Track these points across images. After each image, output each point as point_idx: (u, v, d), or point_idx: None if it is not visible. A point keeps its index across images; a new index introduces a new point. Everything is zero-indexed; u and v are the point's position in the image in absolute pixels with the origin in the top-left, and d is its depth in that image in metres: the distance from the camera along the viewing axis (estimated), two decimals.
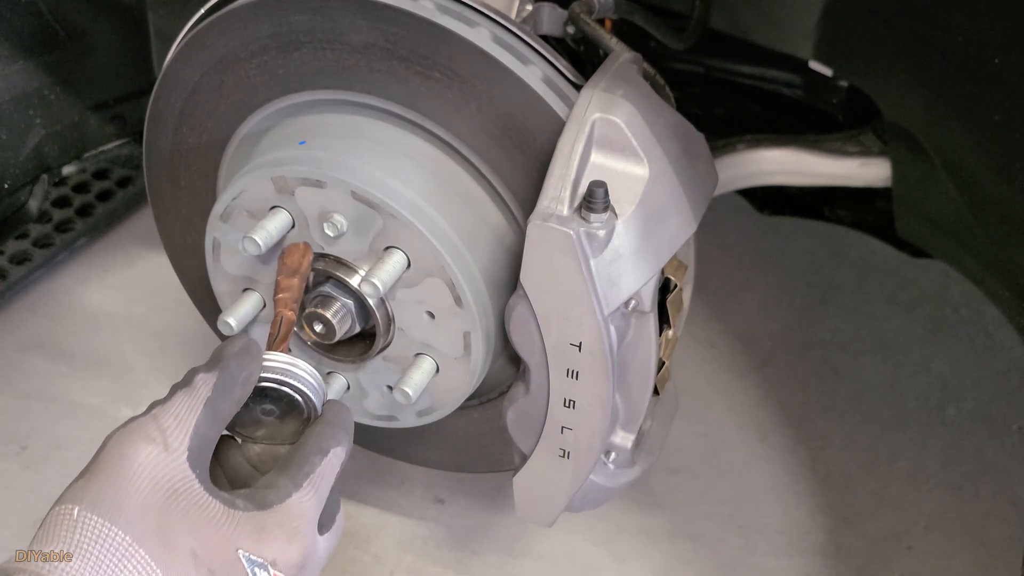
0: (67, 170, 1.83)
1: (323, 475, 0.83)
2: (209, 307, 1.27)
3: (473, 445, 1.29)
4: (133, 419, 0.78)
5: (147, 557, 0.69)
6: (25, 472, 1.51)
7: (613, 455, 1.12)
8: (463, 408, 1.15)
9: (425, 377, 1.08)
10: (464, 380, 1.09)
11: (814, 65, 1.26)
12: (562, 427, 1.05)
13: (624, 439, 1.11)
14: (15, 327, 1.76)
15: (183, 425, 0.76)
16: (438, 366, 1.09)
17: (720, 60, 1.57)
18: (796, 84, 1.53)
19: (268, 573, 0.74)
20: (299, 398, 0.89)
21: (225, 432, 0.86)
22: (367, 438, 1.38)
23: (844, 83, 1.46)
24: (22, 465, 1.52)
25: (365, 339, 1.12)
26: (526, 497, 1.14)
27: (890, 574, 1.42)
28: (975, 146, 1.07)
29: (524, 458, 1.10)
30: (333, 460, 0.84)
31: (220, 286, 1.15)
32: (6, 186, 1.63)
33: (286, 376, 0.89)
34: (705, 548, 1.45)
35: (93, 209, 1.94)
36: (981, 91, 1.02)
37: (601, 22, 1.20)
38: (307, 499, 0.80)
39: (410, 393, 1.06)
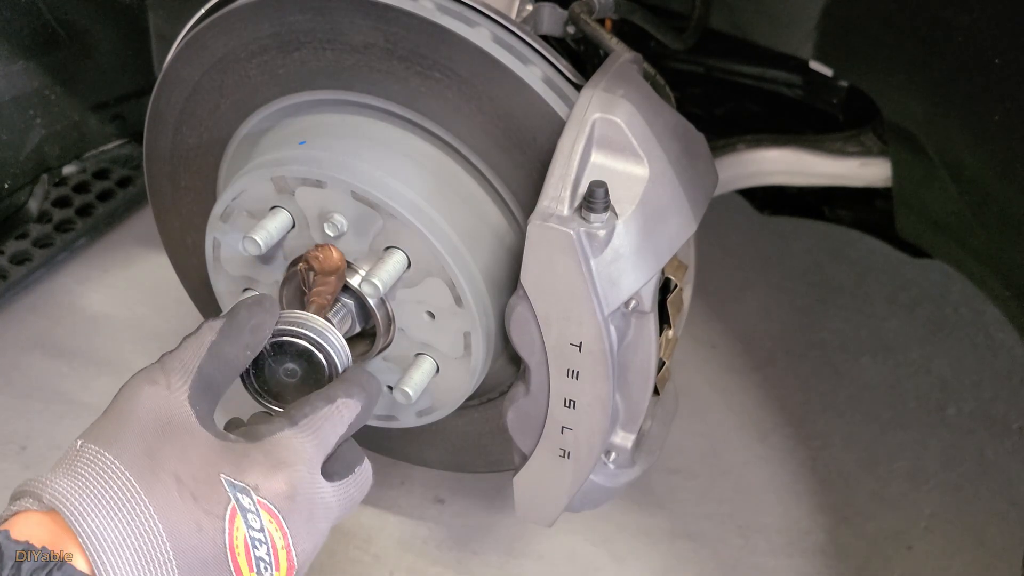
0: (67, 170, 1.82)
1: (326, 419, 0.82)
2: (209, 307, 1.27)
3: (473, 445, 1.29)
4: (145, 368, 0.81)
5: (132, 478, 0.71)
6: (25, 472, 1.51)
7: (613, 455, 1.12)
8: (463, 408, 1.15)
9: (425, 377, 1.08)
10: (464, 380, 1.09)
11: (814, 65, 1.26)
12: (562, 427, 1.05)
13: (624, 439, 1.11)
14: (15, 327, 1.76)
15: (187, 368, 0.79)
16: (438, 366, 1.09)
17: (720, 60, 1.57)
18: (796, 84, 1.53)
19: (251, 498, 0.74)
20: (318, 353, 0.89)
21: (259, 410, 0.87)
22: (367, 438, 1.38)
23: (844, 83, 1.46)
24: (22, 465, 1.52)
25: (365, 339, 1.12)
26: (526, 497, 1.14)
27: (890, 574, 1.42)
28: (975, 146, 1.07)
29: (524, 458, 1.10)
30: (342, 409, 0.84)
31: (220, 286, 1.15)
32: (6, 186, 1.63)
33: (303, 328, 0.89)
34: (705, 548, 1.45)
35: (93, 209, 1.94)
36: (981, 91, 1.02)
37: (601, 22, 1.20)
38: (301, 436, 0.80)
39: (410, 393, 1.06)
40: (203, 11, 1.09)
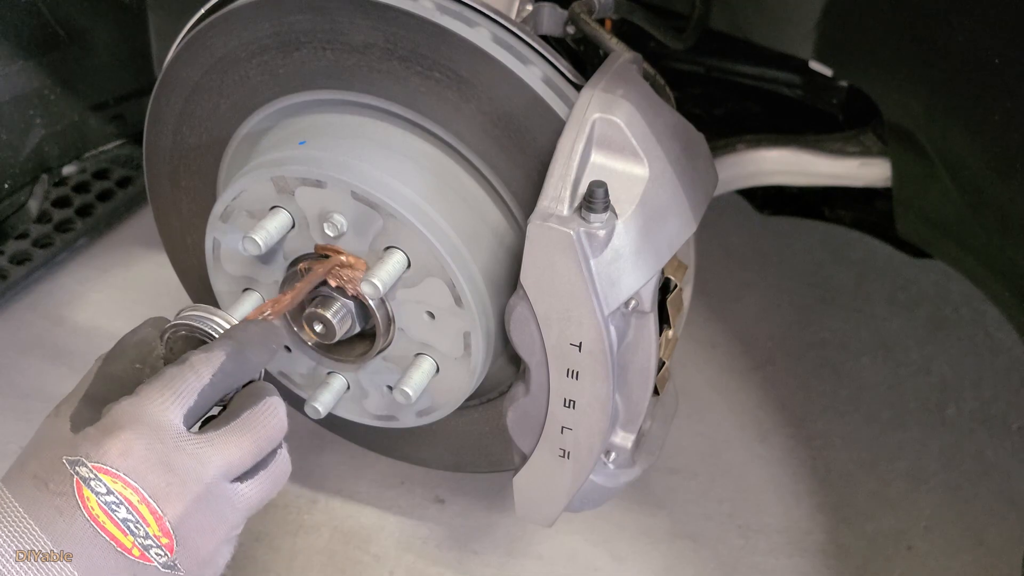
0: (67, 170, 1.82)
1: (173, 378, 0.81)
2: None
3: (473, 445, 1.29)
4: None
5: (4, 490, 0.77)
6: None
7: (613, 455, 1.12)
8: (463, 408, 1.15)
9: (425, 377, 1.08)
10: (464, 380, 1.09)
11: (814, 65, 1.26)
12: (562, 427, 1.05)
13: (624, 439, 1.11)
14: (15, 327, 1.76)
15: (76, 394, 0.83)
16: (438, 366, 1.09)
17: (720, 60, 1.57)
18: (796, 84, 1.53)
19: (87, 467, 0.76)
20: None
21: None
22: (367, 438, 1.38)
23: (844, 83, 1.46)
24: None
25: (365, 339, 1.12)
26: (526, 497, 1.14)
27: (890, 574, 1.42)
28: (975, 146, 1.07)
29: (524, 458, 1.10)
30: (195, 366, 0.82)
31: (220, 286, 1.15)
32: (6, 186, 1.63)
33: (190, 321, 0.88)
34: (705, 548, 1.45)
35: (93, 209, 1.94)
36: (981, 91, 1.02)
37: (601, 22, 1.20)
38: (138, 401, 0.79)
39: (410, 393, 1.06)
40: (203, 11, 1.09)
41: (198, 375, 0.81)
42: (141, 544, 0.76)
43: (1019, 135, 0.99)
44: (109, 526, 0.75)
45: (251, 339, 0.86)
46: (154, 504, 0.76)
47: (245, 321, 0.91)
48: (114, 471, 0.76)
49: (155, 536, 0.77)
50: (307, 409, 1.14)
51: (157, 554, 0.77)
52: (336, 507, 1.49)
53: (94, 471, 0.76)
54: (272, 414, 0.83)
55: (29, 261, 1.82)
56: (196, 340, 0.88)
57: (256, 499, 0.83)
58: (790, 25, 1.24)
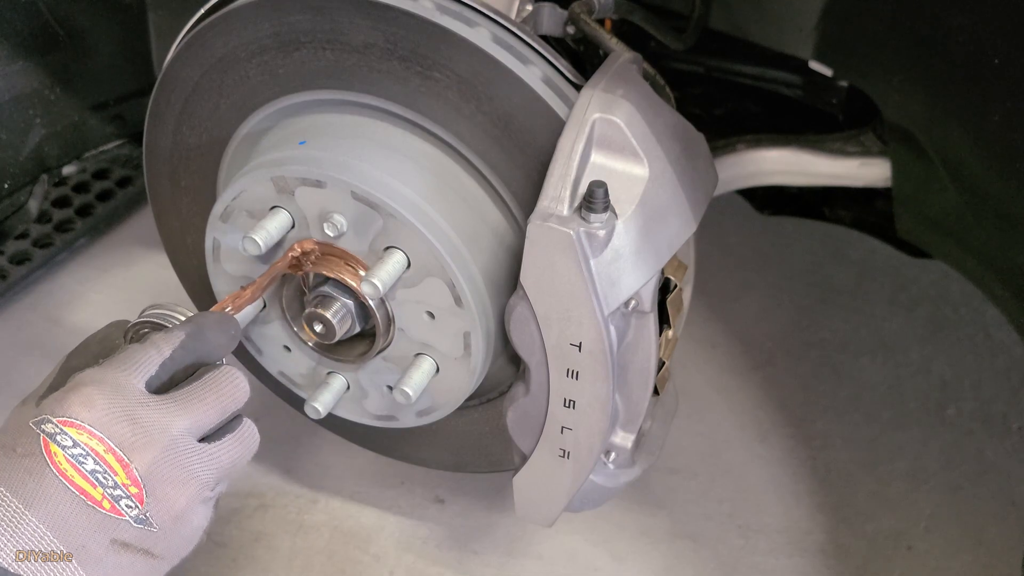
0: (67, 170, 1.82)
1: (136, 351, 0.85)
2: (209, 307, 1.27)
3: (473, 445, 1.29)
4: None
5: None
6: None
7: (613, 455, 1.12)
8: (463, 408, 1.15)
9: (425, 377, 1.08)
10: (464, 380, 1.09)
11: (814, 65, 1.26)
12: (562, 427, 1.05)
13: (624, 439, 1.11)
14: (15, 327, 1.76)
15: (44, 383, 0.85)
16: (438, 366, 1.09)
17: (720, 60, 1.57)
18: (796, 84, 1.53)
19: (52, 423, 0.77)
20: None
21: None
22: (367, 438, 1.38)
23: (844, 83, 1.46)
24: None
25: (365, 339, 1.12)
26: (526, 497, 1.14)
27: (890, 574, 1.42)
28: (975, 146, 1.07)
29: (524, 458, 1.10)
30: (157, 342, 0.86)
31: (220, 286, 1.15)
32: (6, 186, 1.63)
33: (158, 319, 0.93)
34: (705, 548, 1.45)
35: (93, 209, 1.94)
36: (981, 91, 1.02)
37: (601, 22, 1.20)
38: (101, 368, 0.83)
39: (410, 393, 1.06)
40: (203, 11, 1.09)
41: (159, 349, 0.85)
42: (111, 495, 0.77)
43: (1019, 135, 0.99)
44: (78, 479, 0.76)
45: (209, 323, 0.90)
46: (120, 452, 0.77)
47: (200, 313, 0.94)
48: (78, 422, 0.77)
49: (124, 485, 0.77)
50: (307, 409, 1.14)
51: (127, 506, 0.77)
52: (336, 507, 1.49)
53: (59, 425, 0.77)
54: (232, 377, 0.87)
55: (29, 261, 1.82)
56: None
57: (226, 460, 0.85)
58: (790, 25, 1.24)
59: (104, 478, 0.77)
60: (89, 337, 0.93)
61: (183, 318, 0.92)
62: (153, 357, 0.84)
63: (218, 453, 0.84)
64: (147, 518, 0.78)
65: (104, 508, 0.77)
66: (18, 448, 0.77)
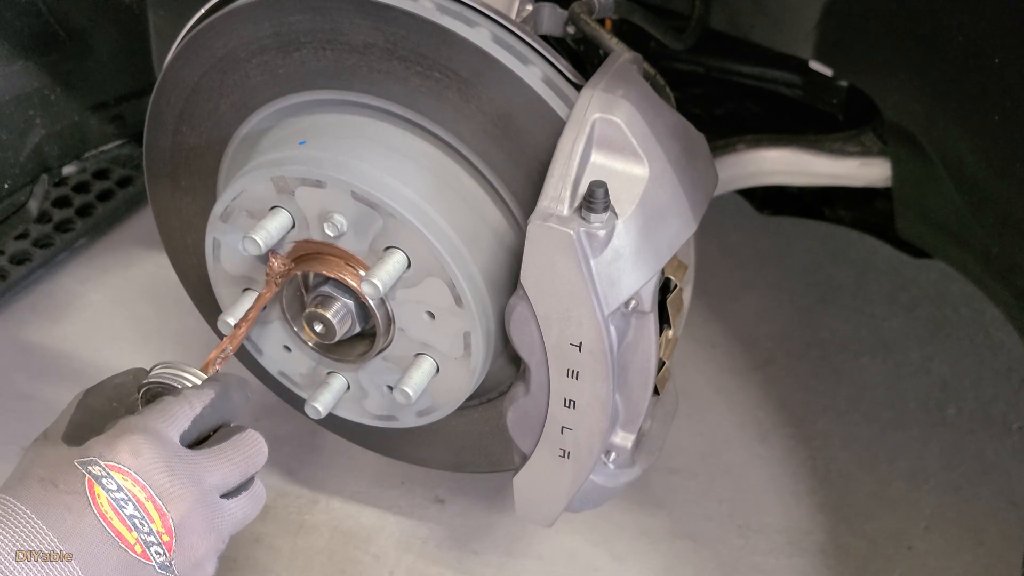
0: (67, 170, 1.83)
1: (171, 404, 0.90)
2: (209, 307, 1.27)
3: (473, 445, 1.29)
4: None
5: (6, 496, 0.80)
6: None
7: (613, 455, 1.12)
8: (463, 408, 1.15)
9: (425, 377, 1.08)
10: (464, 380, 1.09)
11: (814, 65, 1.26)
12: (562, 427, 1.05)
13: (624, 439, 1.11)
14: (15, 327, 1.76)
15: (60, 421, 0.90)
16: (438, 366, 1.09)
17: (720, 60, 1.57)
18: (796, 84, 1.53)
19: (100, 465, 0.82)
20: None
21: None
22: (367, 438, 1.38)
23: (844, 83, 1.46)
24: None
25: (365, 339, 1.12)
26: (526, 497, 1.14)
27: (890, 574, 1.42)
28: (975, 146, 1.07)
29: (524, 458, 1.10)
30: (189, 398, 0.92)
31: (220, 286, 1.15)
32: (6, 186, 1.63)
33: (161, 379, 0.96)
34: (705, 548, 1.45)
35: (93, 209, 1.94)
36: (981, 91, 1.02)
37: (601, 22, 1.20)
38: (141, 417, 0.88)
39: (410, 393, 1.06)
40: (203, 11, 1.09)
41: (191, 405, 0.91)
42: (143, 540, 0.81)
43: (1019, 135, 0.99)
44: (116, 522, 0.80)
45: (233, 384, 0.97)
46: (160, 502, 0.82)
47: (222, 373, 1.00)
48: (125, 468, 0.82)
49: (158, 533, 0.82)
50: (307, 409, 1.14)
51: (157, 552, 0.82)
52: (336, 507, 1.49)
53: (106, 469, 0.81)
54: (256, 441, 0.94)
55: (29, 261, 1.82)
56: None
57: (239, 516, 0.91)
58: (790, 25, 1.24)
59: (140, 524, 0.81)
60: (107, 379, 0.97)
61: (194, 379, 0.96)
62: (187, 412, 0.90)
63: (235, 509, 0.90)
64: (171, 566, 0.83)
65: (135, 552, 0.81)
66: (60, 484, 0.81)
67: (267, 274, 1.07)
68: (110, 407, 0.92)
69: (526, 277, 0.96)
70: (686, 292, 1.20)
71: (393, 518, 1.48)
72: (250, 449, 0.92)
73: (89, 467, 0.81)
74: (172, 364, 0.97)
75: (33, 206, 1.80)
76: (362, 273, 1.03)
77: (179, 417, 0.89)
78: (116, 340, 1.74)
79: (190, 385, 0.95)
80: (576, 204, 0.94)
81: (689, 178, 1.00)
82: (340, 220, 1.01)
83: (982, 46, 1.00)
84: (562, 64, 1.02)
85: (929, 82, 1.09)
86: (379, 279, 0.99)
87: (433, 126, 1.03)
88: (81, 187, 1.97)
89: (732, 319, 1.83)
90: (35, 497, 0.80)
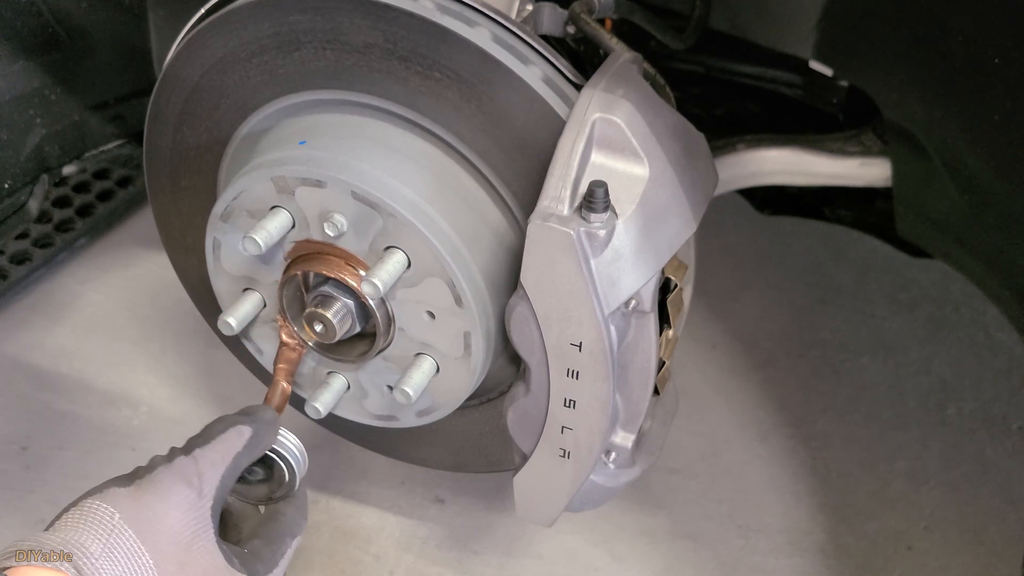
0: (67, 170, 1.82)
1: (287, 558, 0.96)
2: (209, 307, 1.27)
3: (473, 445, 1.29)
4: (176, 452, 0.90)
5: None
6: (25, 472, 1.51)
7: (613, 455, 1.12)
8: (463, 408, 1.15)
9: (425, 377, 1.08)
10: (464, 380, 1.09)
11: (814, 65, 1.26)
12: (562, 427, 1.05)
13: (624, 439, 1.11)
14: (15, 327, 1.76)
15: (216, 471, 0.89)
16: (438, 366, 1.09)
17: (720, 60, 1.57)
18: (796, 84, 1.53)
19: None
20: (287, 476, 1.00)
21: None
22: (367, 438, 1.38)
23: (844, 83, 1.46)
24: (22, 465, 1.52)
25: (365, 339, 1.12)
26: (526, 497, 1.14)
27: (890, 574, 1.42)
28: (975, 146, 1.07)
29: (524, 458, 1.10)
30: (294, 545, 0.98)
31: (220, 286, 1.15)
32: (6, 186, 1.63)
33: (288, 454, 1.00)
34: (705, 548, 1.45)
35: (93, 209, 1.94)
36: (981, 91, 1.02)
37: (601, 22, 1.20)
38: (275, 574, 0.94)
39: (410, 393, 1.06)
40: (203, 11, 1.09)
41: (291, 556, 0.97)
42: None
43: (1019, 135, 0.99)
44: None
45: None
46: None
47: (305, 492, 1.05)
48: None
49: None
50: (307, 409, 1.14)
51: None
52: (336, 507, 1.49)
53: None
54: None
55: (29, 261, 1.82)
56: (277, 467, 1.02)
57: None
58: (790, 25, 1.24)
59: None
60: (258, 429, 0.97)
61: (303, 461, 1.02)
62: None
63: None
64: None
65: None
66: None
67: (282, 341, 1.12)
68: (244, 468, 0.95)
69: (526, 277, 0.96)
70: (686, 292, 1.20)
71: (393, 518, 1.48)
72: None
73: None
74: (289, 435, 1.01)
75: (33, 206, 1.79)
76: (362, 273, 1.03)
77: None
78: (116, 340, 1.75)
79: (299, 475, 1.01)
80: (576, 204, 0.94)
81: (689, 178, 1.00)
82: (340, 220, 1.01)
83: (982, 46, 1.00)
84: (562, 64, 1.02)
85: (929, 82, 1.09)
86: (379, 279, 0.99)
87: (433, 126, 1.03)
88: (81, 187, 1.97)
89: (732, 319, 1.83)
90: None
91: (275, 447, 1.00)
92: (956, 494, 1.52)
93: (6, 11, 1.52)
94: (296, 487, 1.02)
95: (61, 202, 1.93)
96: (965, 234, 1.17)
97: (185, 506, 0.86)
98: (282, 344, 1.13)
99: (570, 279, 0.93)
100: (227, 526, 0.99)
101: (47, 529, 0.82)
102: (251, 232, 1.02)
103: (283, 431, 1.01)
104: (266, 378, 1.28)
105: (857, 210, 1.57)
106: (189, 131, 1.16)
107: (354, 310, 1.07)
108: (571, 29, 1.17)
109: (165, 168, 1.21)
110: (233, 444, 0.92)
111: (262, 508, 1.02)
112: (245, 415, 0.96)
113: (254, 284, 1.12)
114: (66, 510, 0.84)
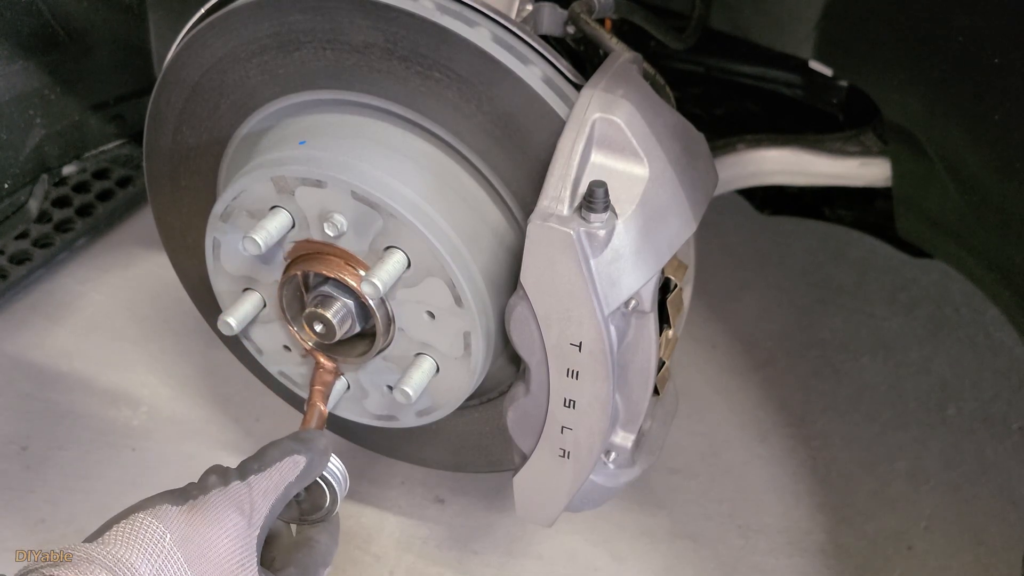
0: (67, 170, 1.83)
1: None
2: (209, 307, 1.27)
3: (473, 445, 1.29)
4: (232, 475, 0.90)
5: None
6: (25, 472, 1.51)
7: (613, 455, 1.12)
8: (463, 408, 1.15)
9: (425, 377, 1.08)
10: (464, 380, 1.09)
11: (814, 65, 1.26)
12: (562, 427, 1.05)
13: (624, 439, 1.11)
14: (15, 327, 1.76)
15: (267, 500, 0.89)
16: (438, 366, 1.09)
17: (720, 60, 1.57)
18: (796, 84, 1.53)
19: None
20: (328, 501, 1.00)
21: None
22: (367, 438, 1.39)
23: (844, 83, 1.46)
24: (22, 465, 1.52)
25: (365, 339, 1.12)
26: (526, 497, 1.14)
27: (890, 574, 1.42)
28: (975, 146, 1.07)
29: (524, 458, 1.10)
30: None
31: (220, 286, 1.15)
32: (6, 186, 1.63)
33: (333, 480, 1.00)
34: (705, 548, 1.45)
35: (93, 209, 1.94)
36: (981, 91, 1.02)
37: (601, 22, 1.20)
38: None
39: (410, 393, 1.06)
40: (203, 11, 1.09)
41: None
42: None
43: (1019, 135, 0.99)
44: None
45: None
46: None
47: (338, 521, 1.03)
48: None
49: None
50: None
51: None
52: None
53: None
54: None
55: (29, 261, 1.82)
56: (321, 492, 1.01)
57: None
58: (790, 25, 1.24)
59: None
60: (312, 458, 0.97)
61: (344, 482, 1.00)
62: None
63: None
64: None
65: None
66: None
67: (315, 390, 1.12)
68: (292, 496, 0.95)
69: (526, 277, 0.96)
70: (686, 292, 1.20)
71: (393, 518, 1.48)
72: None
73: None
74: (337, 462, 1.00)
75: (33, 206, 1.80)
76: (362, 273, 1.03)
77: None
78: (116, 340, 1.75)
79: (340, 498, 1.00)
80: (576, 204, 0.94)
81: (689, 178, 1.00)
82: (340, 220, 1.01)
83: (982, 46, 1.00)
84: (562, 64, 1.02)
85: (929, 82, 1.09)
86: (379, 279, 0.99)
87: (433, 126, 1.03)
88: (81, 187, 1.97)
89: (732, 319, 1.83)
90: None
91: (329, 479, 1.00)
92: (956, 494, 1.52)
93: (6, 11, 1.52)
94: (334, 513, 1.01)
95: (61, 202, 1.93)
96: (965, 234, 1.17)
97: (235, 534, 0.85)
98: (318, 367, 1.13)
99: (570, 279, 0.93)
100: None
101: (93, 539, 0.82)
102: (251, 232, 1.02)
103: (337, 462, 1.00)
104: (265, 378, 1.29)
105: (857, 210, 1.57)
106: (189, 131, 1.16)
107: (354, 310, 1.07)
108: (571, 29, 1.17)
109: (165, 168, 1.21)
110: (287, 474, 0.92)
111: (294, 528, 1.02)
112: (300, 442, 0.95)
113: (254, 284, 1.12)
114: (116, 520, 0.83)
